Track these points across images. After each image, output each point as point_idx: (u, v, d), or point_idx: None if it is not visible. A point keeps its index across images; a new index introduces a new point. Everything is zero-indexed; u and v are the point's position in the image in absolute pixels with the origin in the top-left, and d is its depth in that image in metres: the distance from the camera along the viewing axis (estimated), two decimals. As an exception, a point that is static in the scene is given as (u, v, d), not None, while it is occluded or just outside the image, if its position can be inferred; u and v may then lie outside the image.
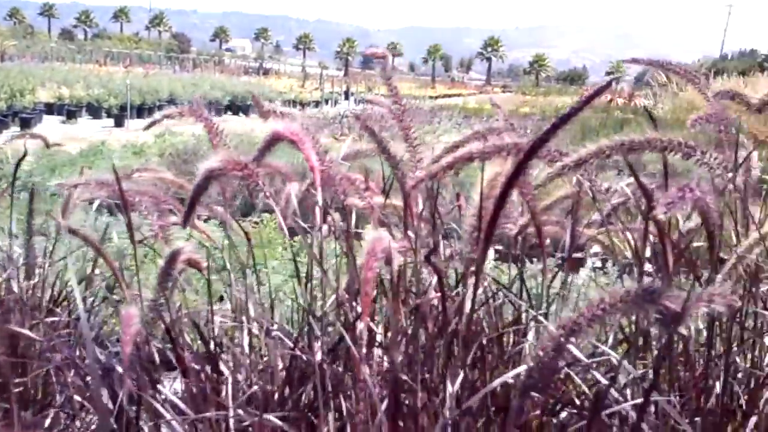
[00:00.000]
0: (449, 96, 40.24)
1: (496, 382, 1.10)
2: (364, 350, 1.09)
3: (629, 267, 1.68)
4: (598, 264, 4.96)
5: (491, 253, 3.40)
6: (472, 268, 1.13)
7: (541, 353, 0.72)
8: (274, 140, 1.16)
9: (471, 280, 1.14)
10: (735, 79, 24.38)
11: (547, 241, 1.52)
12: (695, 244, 1.69)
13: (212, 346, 1.51)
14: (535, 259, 2.38)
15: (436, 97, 36.14)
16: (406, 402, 1.19)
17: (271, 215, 5.44)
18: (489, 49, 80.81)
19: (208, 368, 1.43)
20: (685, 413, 1.23)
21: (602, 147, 0.94)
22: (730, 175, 1.43)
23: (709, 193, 0.88)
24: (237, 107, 23.69)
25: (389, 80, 1.47)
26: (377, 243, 0.95)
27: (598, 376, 1.20)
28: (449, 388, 1.12)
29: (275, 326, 1.53)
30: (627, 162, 1.05)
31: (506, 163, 1.08)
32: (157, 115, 1.65)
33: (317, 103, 25.22)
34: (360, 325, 1.07)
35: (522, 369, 0.91)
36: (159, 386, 1.36)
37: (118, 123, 18.22)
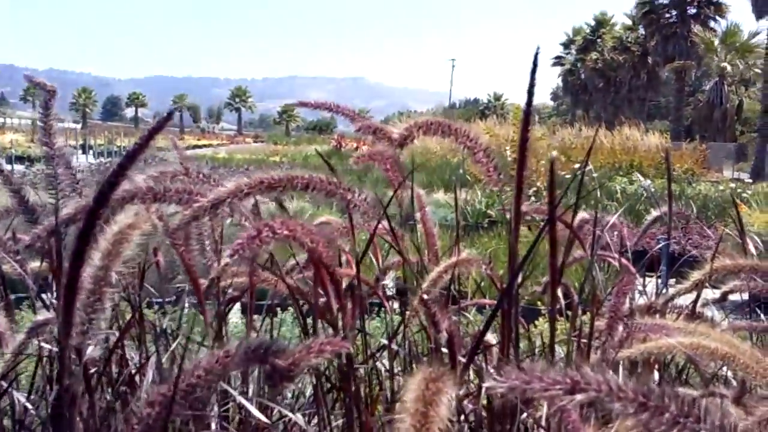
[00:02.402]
0: (199, 147, 39.56)
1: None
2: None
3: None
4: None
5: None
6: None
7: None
8: None
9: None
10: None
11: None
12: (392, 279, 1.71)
13: None
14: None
15: (186, 149, 35.21)
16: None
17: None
18: (237, 99, 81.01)
19: None
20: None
21: (240, 185, 0.86)
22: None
23: (321, 235, 0.83)
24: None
25: (47, 126, 1.29)
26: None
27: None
28: None
29: None
30: (277, 201, 0.99)
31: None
32: None
33: (50, 158, 23.14)
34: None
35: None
36: None
37: None
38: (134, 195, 0.86)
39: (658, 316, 1.34)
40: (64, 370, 0.77)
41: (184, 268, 1.13)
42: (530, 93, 0.90)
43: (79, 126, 54.31)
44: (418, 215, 1.73)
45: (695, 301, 1.36)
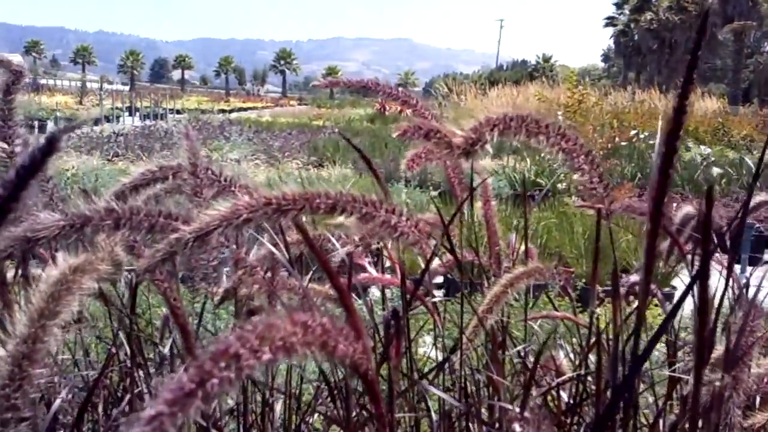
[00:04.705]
0: (244, 109, 39.39)
1: None
2: None
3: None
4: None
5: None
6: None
7: None
8: None
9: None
10: (509, 88, 26.21)
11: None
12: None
13: None
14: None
15: (230, 111, 35.11)
16: None
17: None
18: (282, 61, 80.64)
19: None
20: None
21: (237, 208, 0.59)
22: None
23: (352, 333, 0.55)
24: None
25: (8, 116, 1.04)
26: None
27: None
28: None
29: None
30: (297, 224, 0.72)
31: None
32: None
33: (96, 121, 23.30)
34: None
35: None
36: None
37: None
38: (86, 221, 0.61)
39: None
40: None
41: (169, 310, 0.87)
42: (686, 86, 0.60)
43: (127, 88, 54.89)
44: (480, 207, 1.45)
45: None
